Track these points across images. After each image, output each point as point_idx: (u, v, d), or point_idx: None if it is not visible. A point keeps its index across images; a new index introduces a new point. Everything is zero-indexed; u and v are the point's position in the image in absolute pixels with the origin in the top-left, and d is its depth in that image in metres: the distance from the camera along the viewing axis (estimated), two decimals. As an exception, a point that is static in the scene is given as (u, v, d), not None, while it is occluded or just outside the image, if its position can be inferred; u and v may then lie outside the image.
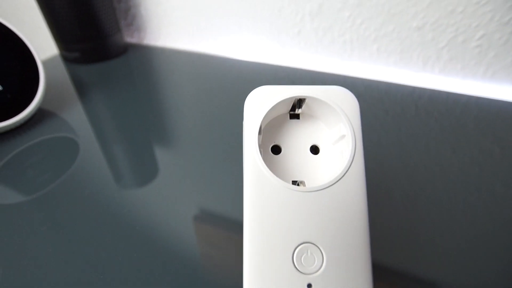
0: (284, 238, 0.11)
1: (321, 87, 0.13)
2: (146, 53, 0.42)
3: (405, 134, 0.25)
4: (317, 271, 0.11)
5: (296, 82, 0.33)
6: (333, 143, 0.13)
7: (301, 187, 0.12)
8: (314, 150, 0.14)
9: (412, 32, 0.31)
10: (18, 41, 0.27)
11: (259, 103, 0.13)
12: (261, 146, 0.14)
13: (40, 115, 0.29)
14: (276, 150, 0.14)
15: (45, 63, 0.38)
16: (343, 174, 0.12)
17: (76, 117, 0.29)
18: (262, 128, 0.13)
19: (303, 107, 0.13)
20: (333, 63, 0.36)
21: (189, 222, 0.18)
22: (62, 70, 0.37)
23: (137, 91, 0.33)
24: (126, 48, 0.43)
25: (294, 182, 0.13)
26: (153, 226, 0.18)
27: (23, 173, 0.22)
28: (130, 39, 0.46)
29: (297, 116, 0.14)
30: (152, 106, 0.30)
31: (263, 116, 0.12)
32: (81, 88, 0.34)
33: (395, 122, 0.26)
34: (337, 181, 0.12)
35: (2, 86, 0.25)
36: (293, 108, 0.14)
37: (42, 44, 0.49)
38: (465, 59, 0.30)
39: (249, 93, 0.13)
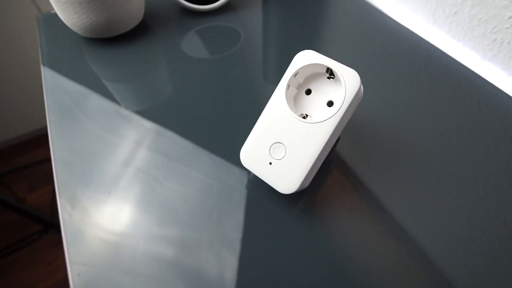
0: (273, 133, 0.21)
1: (345, 68, 0.20)
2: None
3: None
4: (279, 159, 0.21)
5: (425, 58, 0.35)
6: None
7: (299, 117, 0.20)
8: (330, 104, 0.22)
9: None
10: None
11: (302, 59, 0.21)
12: (299, 87, 0.22)
13: (228, 7, 0.42)
14: (309, 92, 0.22)
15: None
16: (322, 121, 0.20)
17: (249, 15, 0.41)
18: (298, 74, 0.21)
19: (335, 73, 0.21)
20: (472, 58, 0.35)
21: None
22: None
23: (304, 13, 0.42)
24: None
25: (302, 115, 0.22)
26: (266, 102, 0.30)
27: (205, 38, 0.37)
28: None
29: (332, 77, 0.21)
30: (309, 31, 0.39)
31: (302, 65, 0.21)
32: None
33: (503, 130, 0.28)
34: (317, 122, 0.20)
35: (214, -18, 0.38)
36: (328, 71, 0.21)
37: None
38: None
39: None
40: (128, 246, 0.22)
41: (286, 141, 0.21)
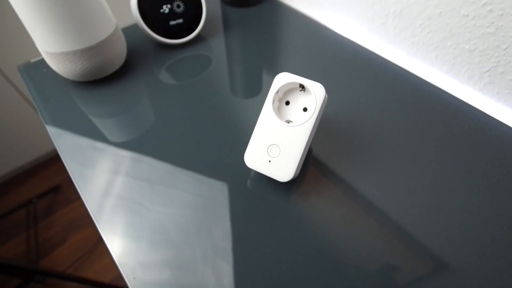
0: (268, 138, 0.28)
1: (313, 82, 0.27)
2: (275, 6, 0.56)
3: (406, 119, 0.36)
4: (275, 157, 0.27)
5: (365, 62, 0.44)
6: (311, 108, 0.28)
7: (285, 123, 0.27)
8: (305, 109, 0.29)
9: (464, 52, 0.38)
10: (197, -7, 0.45)
11: (282, 80, 0.28)
12: (280, 100, 0.29)
13: (198, 38, 0.48)
14: (288, 103, 0.29)
15: (208, 1, 0.56)
16: (300, 123, 0.27)
17: (216, 43, 0.47)
18: (279, 91, 0.28)
19: (306, 87, 0.28)
20: (400, 56, 0.45)
21: (240, 128, 0.36)
22: (217, 9, 0.56)
23: (262, 34, 0.49)
24: (262, -1, 0.58)
25: (287, 121, 0.28)
26: (238, 116, 0.36)
27: (180, 67, 0.42)
28: (268, -10, 0.61)
29: (303, 90, 0.28)
30: (268, 50, 0.46)
31: (282, 84, 0.27)
32: (226, 24, 0.51)
33: (412, 113, 0.37)
34: (298, 125, 0.27)
35: (183, 19, 0.44)
36: (301, 86, 0.28)
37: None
38: (500, 86, 0.37)
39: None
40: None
41: (279, 142, 0.27)
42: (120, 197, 0.30)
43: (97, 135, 0.35)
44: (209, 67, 0.44)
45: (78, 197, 1.19)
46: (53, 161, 1.31)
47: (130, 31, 0.49)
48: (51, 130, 0.37)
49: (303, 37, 0.49)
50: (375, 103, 0.38)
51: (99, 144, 0.35)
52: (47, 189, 1.21)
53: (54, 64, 0.37)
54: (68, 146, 0.35)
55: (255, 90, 0.41)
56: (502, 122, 0.36)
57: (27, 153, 1.23)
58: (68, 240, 1.10)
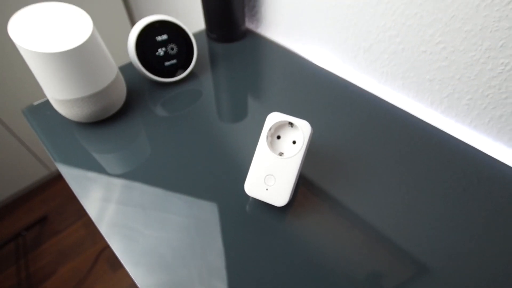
0: (264, 170, 0.32)
1: (300, 120, 0.32)
2: (257, 40, 0.62)
3: (376, 141, 0.41)
4: (272, 185, 0.32)
5: (342, 90, 0.49)
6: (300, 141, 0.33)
7: (278, 155, 0.32)
8: (294, 142, 0.33)
9: (425, 81, 0.44)
10: (187, 36, 0.49)
11: (273, 120, 0.32)
12: (272, 135, 0.33)
13: (190, 74, 0.52)
14: (279, 137, 0.34)
15: (196, 35, 0.61)
16: (291, 156, 0.31)
17: (205, 77, 0.52)
18: (271, 128, 0.32)
19: (294, 124, 0.32)
20: (372, 84, 0.51)
21: (251, 151, 0.40)
22: (205, 45, 0.60)
23: (246, 67, 0.54)
24: (246, 33, 0.63)
25: (280, 153, 0.33)
26: (227, 142, 0.40)
27: (173, 102, 0.46)
28: (249, 25, 0.66)
29: (292, 126, 0.33)
30: (252, 80, 0.51)
31: (273, 123, 0.32)
32: (214, 59, 0.56)
33: (388, 136, 0.42)
34: (289, 157, 0.31)
35: (176, 60, 0.49)
36: (290, 123, 0.33)
37: (199, 25, 0.73)
38: (458, 109, 0.43)
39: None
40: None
41: (274, 172, 0.32)
42: (116, 224, 0.34)
43: (99, 169, 0.39)
44: (199, 99, 0.48)
45: (66, 227, 1.19)
46: (37, 192, 1.30)
47: (125, 69, 0.53)
48: (60, 167, 0.40)
49: (283, 68, 0.54)
50: (351, 126, 0.44)
51: (103, 177, 0.38)
52: (34, 220, 1.21)
53: (62, 109, 0.40)
54: (77, 181, 0.38)
55: (241, 117, 0.45)
56: (461, 140, 0.42)
57: (11, 184, 1.22)
58: (59, 271, 1.10)
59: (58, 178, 1.35)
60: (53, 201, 1.27)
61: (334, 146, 0.41)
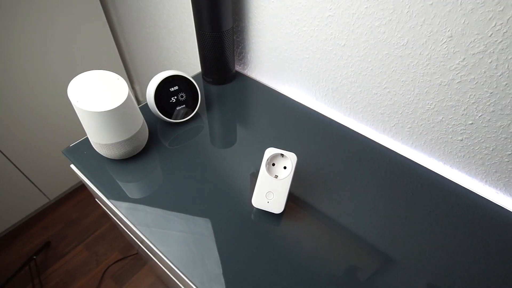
0: (265, 188, 0.45)
1: (289, 153, 0.45)
2: (246, 81, 0.75)
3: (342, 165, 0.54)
4: (271, 199, 0.45)
5: (317, 122, 0.63)
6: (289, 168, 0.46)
7: (274, 178, 0.45)
8: (284, 167, 0.46)
9: (378, 114, 0.58)
10: (192, 84, 0.62)
11: (269, 153, 0.45)
12: (268, 163, 0.46)
13: (194, 115, 0.65)
14: (273, 164, 0.47)
15: (193, 78, 0.74)
16: (284, 177, 0.44)
17: (206, 115, 0.64)
18: (269, 159, 0.45)
19: (284, 155, 0.46)
20: (339, 117, 0.65)
21: (245, 175, 0.52)
22: (201, 87, 0.73)
23: (238, 103, 0.67)
24: (236, 75, 0.77)
25: (275, 176, 0.46)
26: (223, 166, 0.53)
27: (182, 136, 0.59)
28: (237, 66, 0.80)
29: (282, 156, 0.46)
30: (243, 114, 0.64)
31: (269, 155, 0.45)
32: (211, 100, 0.69)
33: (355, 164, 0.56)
34: (282, 179, 0.44)
35: (185, 104, 0.61)
36: (281, 154, 0.46)
37: (196, 70, 0.86)
38: (402, 135, 0.58)
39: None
40: None
41: (272, 190, 0.45)
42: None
43: (125, 197, 0.50)
44: (201, 132, 0.60)
45: (70, 250, 1.26)
46: (38, 219, 1.37)
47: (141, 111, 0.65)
48: (106, 197, 0.51)
49: (269, 104, 0.68)
50: (325, 149, 0.57)
51: (159, 210, 0.49)
52: (38, 245, 1.27)
53: (103, 151, 0.52)
54: (130, 212, 0.49)
55: (237, 143, 0.58)
56: (406, 157, 0.57)
57: (13, 214, 1.28)
58: (70, 288, 1.17)
59: (56, 205, 1.42)
60: (53, 228, 1.33)
61: (311, 166, 0.55)
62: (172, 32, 0.95)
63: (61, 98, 1.19)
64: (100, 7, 1.13)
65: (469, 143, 0.51)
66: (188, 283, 0.43)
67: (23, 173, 1.21)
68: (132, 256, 1.25)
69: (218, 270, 0.42)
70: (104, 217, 1.38)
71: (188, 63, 0.98)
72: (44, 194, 1.35)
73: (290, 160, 0.45)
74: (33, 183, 1.27)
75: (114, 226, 1.36)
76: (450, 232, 0.47)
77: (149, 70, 1.25)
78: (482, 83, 0.44)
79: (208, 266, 0.42)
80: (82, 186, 1.49)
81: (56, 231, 1.32)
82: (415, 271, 0.43)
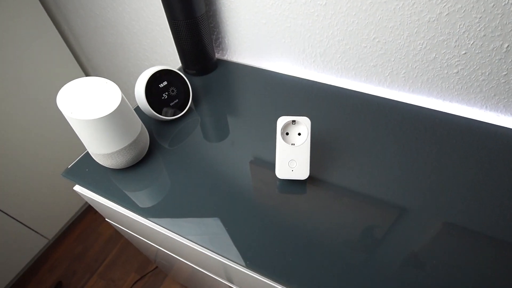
0: (286, 157, 0.44)
1: (300, 117, 0.44)
2: (229, 66, 0.74)
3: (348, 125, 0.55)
4: (294, 167, 0.44)
5: (310, 90, 0.63)
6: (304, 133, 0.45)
7: (290, 145, 0.44)
8: (299, 134, 0.46)
9: (370, 67, 0.59)
10: (179, 76, 0.60)
11: (282, 121, 0.44)
12: (282, 133, 0.46)
13: (187, 110, 0.63)
14: (287, 133, 0.46)
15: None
16: (301, 143, 0.44)
17: (198, 108, 0.63)
18: (283, 126, 0.45)
19: (296, 121, 0.45)
20: (331, 79, 0.65)
21: (245, 164, 0.51)
22: (189, 80, 0.71)
23: (226, 90, 0.65)
24: (217, 63, 0.75)
25: (292, 144, 0.45)
26: (218, 160, 0.52)
27: (180, 133, 0.57)
28: (217, 55, 0.78)
29: (294, 123, 0.45)
30: (231, 104, 0.63)
31: (282, 124, 0.44)
32: (197, 92, 0.67)
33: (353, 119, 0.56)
34: (300, 144, 0.44)
35: (178, 99, 0.59)
36: (293, 121, 0.45)
37: (175, 65, 0.84)
38: (398, 82, 0.58)
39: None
40: None
41: (293, 158, 0.44)
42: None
43: (143, 203, 0.48)
44: (198, 125, 0.59)
45: (84, 284, 1.21)
46: (42, 262, 1.31)
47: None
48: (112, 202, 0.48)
49: (258, 84, 0.67)
50: (326, 116, 0.57)
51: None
52: (50, 286, 1.21)
53: (107, 162, 0.49)
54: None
55: (237, 129, 0.57)
56: (405, 102, 0.57)
57: (16, 263, 1.22)
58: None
59: (56, 243, 1.36)
60: (60, 266, 1.28)
61: (316, 133, 0.55)
62: (137, 35, 0.91)
63: (29, 132, 1.13)
64: (54, 27, 1.07)
65: (465, 74, 0.52)
66: (224, 264, 0.42)
67: (15, 219, 1.15)
68: (151, 273, 1.21)
69: (254, 244, 0.41)
70: (110, 243, 1.33)
71: (161, 63, 0.96)
72: (42, 235, 1.29)
73: (304, 124, 0.44)
74: (27, 226, 1.20)
75: (123, 249, 1.31)
76: (461, 165, 0.48)
77: (120, 81, 1.20)
78: (470, 10, 0.45)
79: (241, 246, 0.41)
80: (79, 218, 1.43)
81: (64, 269, 1.26)
82: (433, 215, 0.43)
